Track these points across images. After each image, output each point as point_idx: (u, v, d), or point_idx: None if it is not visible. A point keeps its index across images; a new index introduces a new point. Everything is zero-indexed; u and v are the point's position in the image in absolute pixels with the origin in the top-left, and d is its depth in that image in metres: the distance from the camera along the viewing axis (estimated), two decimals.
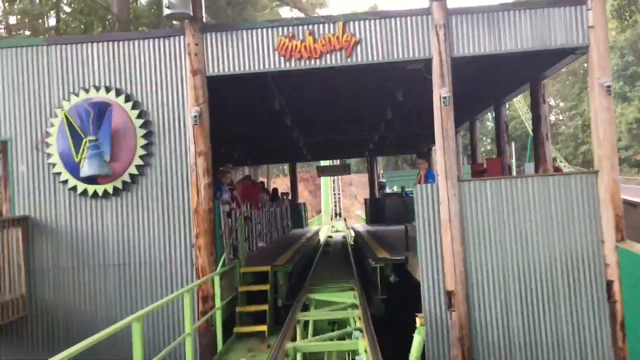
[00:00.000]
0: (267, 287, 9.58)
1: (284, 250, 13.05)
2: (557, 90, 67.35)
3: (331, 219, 50.74)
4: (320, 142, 21.08)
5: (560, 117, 71.52)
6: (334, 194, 55.29)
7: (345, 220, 49.32)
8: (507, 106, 17.67)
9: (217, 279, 8.26)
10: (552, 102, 75.05)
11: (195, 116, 8.59)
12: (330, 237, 23.63)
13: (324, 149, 23.86)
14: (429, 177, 10.80)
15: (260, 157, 25.06)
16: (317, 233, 22.07)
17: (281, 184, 56.00)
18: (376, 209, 24.65)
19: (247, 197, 14.44)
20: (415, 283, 9.54)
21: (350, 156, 26.92)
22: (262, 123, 16.25)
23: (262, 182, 19.46)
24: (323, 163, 30.52)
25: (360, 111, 15.64)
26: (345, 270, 12.50)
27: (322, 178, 58.11)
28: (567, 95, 66.89)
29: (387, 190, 25.50)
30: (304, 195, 56.28)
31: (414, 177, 35.39)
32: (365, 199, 25.27)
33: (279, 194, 20.73)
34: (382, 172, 35.51)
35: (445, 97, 8.50)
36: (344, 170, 24.96)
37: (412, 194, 22.34)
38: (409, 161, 67.91)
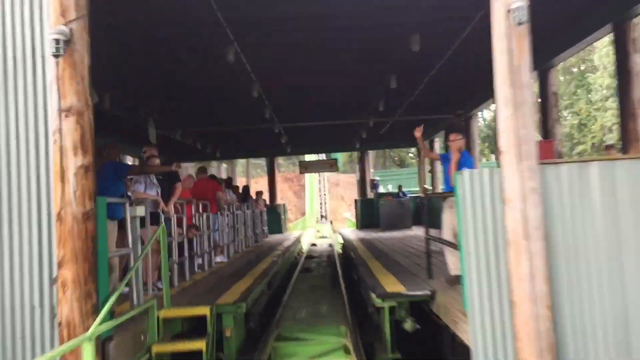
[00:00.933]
0: (201, 344, 5.62)
1: (245, 272, 9.08)
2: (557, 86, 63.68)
3: (317, 222, 46.80)
4: (301, 130, 17.16)
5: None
6: (320, 195, 51.33)
7: (331, 223, 45.40)
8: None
9: (88, 349, 4.25)
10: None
11: (58, 41, 4.57)
12: (314, 245, 19.69)
13: (306, 139, 19.91)
14: (465, 162, 6.74)
15: (231, 150, 21.05)
16: (297, 240, 18.10)
17: (264, 184, 52.06)
18: (368, 211, 20.77)
19: (198, 196, 10.45)
20: (448, 335, 5.69)
21: (338, 150, 23.04)
22: (224, 96, 12.31)
23: (229, 179, 15.46)
24: (308, 158, 26.57)
25: (353, 82, 11.77)
26: (332, 302, 8.58)
27: (307, 177, 54.21)
28: (562, 94, 63.68)
29: (381, 190, 21.65)
30: (287, 197, 52.27)
31: (410, 176, 31.44)
32: (355, 200, 21.38)
33: (251, 194, 16.74)
34: (372, 170, 31.66)
35: (517, 10, 4.57)
36: (331, 166, 21.12)
37: (410, 194, 18.30)
38: (397, 160, 64.18)
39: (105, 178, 5.68)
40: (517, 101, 4.68)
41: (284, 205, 21.37)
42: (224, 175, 40.42)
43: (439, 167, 19.49)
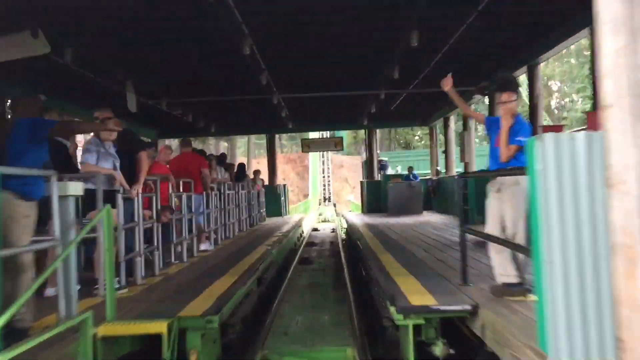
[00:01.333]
0: None
1: (230, 265, 7.44)
2: (564, 72, 61.72)
3: (319, 204, 45.19)
4: (303, 103, 15.42)
5: (566, 100, 66.11)
6: (323, 177, 49.68)
7: (335, 206, 43.78)
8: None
9: None
10: (554, 87, 69.67)
11: None
12: (316, 230, 18.06)
13: (309, 114, 18.16)
14: (520, 129, 4.92)
15: (227, 125, 19.30)
16: (298, 224, 16.46)
17: (266, 164, 50.45)
18: (375, 194, 19.10)
19: (180, 173, 8.78)
20: None
21: (343, 127, 21.23)
22: (220, 66, 10.65)
23: (222, 155, 13.79)
24: (312, 137, 24.88)
25: (366, 42, 10.02)
26: (336, 308, 6.93)
27: (310, 159, 52.50)
28: (574, 77, 61.45)
29: (390, 172, 19.95)
30: (290, 178, 50.63)
31: (420, 158, 29.62)
32: (361, 182, 19.68)
33: (247, 173, 15.07)
34: (378, 151, 29.97)
35: None
36: (336, 145, 19.39)
37: (421, 177, 16.61)
38: (402, 143, 62.23)
39: (19, 140, 3.99)
40: (636, 26, 2.96)
41: (284, 186, 19.72)
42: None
43: (453, 148, 17.78)
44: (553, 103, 67.77)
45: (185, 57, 10.59)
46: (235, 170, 14.38)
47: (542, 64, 12.22)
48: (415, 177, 18.20)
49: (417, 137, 64.49)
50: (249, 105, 15.48)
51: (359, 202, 36.78)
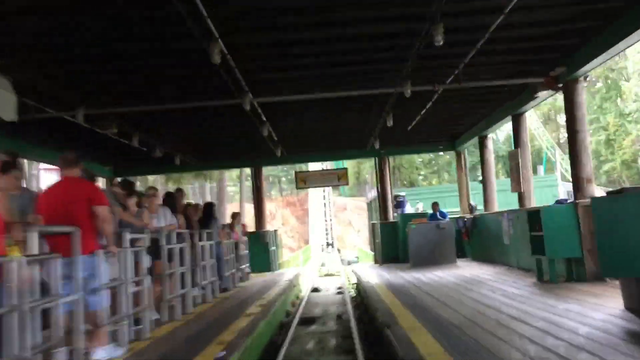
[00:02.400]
0: None
1: None
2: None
3: (322, 250, 40.61)
4: (296, 124, 11.33)
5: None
6: (325, 221, 45.22)
7: (339, 251, 39.18)
8: None
9: None
10: (561, 120, 65.88)
11: None
12: (317, 290, 13.50)
13: (303, 138, 13.93)
14: None
15: (202, 158, 15.07)
16: (292, 284, 11.96)
17: (268, 206, 46.07)
18: (390, 239, 14.72)
19: (52, 215, 4.47)
20: None
21: (347, 156, 16.78)
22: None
23: (178, 190, 9.47)
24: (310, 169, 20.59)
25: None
26: None
27: (310, 201, 48.18)
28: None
29: (408, 210, 15.59)
30: (290, 222, 46.18)
31: (445, 193, 24.92)
32: (373, 224, 15.24)
33: (216, 214, 10.71)
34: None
35: None
36: (339, 178, 15.08)
37: (450, 216, 12.09)
38: (406, 184, 57.87)
39: None
40: None
41: (274, 232, 15.31)
42: (208, 199, 33.86)
43: (493, 176, 13.44)
44: (562, 136, 63.99)
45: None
46: (197, 212, 10.04)
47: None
48: (443, 215, 13.81)
49: (421, 176, 60.26)
50: (230, 133, 11.42)
51: (366, 248, 32.25)
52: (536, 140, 54.91)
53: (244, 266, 12.48)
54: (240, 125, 11.16)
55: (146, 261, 6.57)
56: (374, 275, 11.72)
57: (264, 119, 10.30)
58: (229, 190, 43.63)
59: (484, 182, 13.17)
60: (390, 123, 10.65)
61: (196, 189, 32.35)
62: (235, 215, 12.67)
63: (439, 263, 12.89)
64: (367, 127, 12.93)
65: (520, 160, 10.43)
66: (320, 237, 43.00)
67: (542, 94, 9.11)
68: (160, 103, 9.01)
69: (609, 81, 52.64)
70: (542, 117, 55.90)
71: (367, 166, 55.93)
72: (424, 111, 10.55)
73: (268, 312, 7.64)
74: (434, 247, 13.05)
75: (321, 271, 19.41)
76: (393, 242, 14.75)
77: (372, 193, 35.58)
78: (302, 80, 8.92)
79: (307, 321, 8.73)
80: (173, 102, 9.04)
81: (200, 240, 9.02)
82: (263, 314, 7.48)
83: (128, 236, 5.88)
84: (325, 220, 44.94)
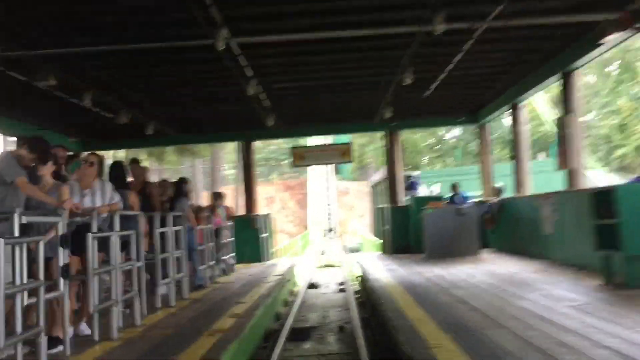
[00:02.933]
0: None
1: None
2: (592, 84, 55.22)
3: (324, 236, 38.53)
4: (292, 89, 9.11)
5: (590, 116, 59.72)
6: (327, 205, 43.09)
7: (340, 236, 37.09)
8: None
9: None
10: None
11: None
12: (314, 286, 11.40)
13: (301, 109, 11.71)
14: None
15: (183, 131, 12.87)
16: (284, 279, 9.81)
17: (263, 194, 43.81)
18: (401, 226, 12.56)
19: None
20: None
21: (353, 129, 14.24)
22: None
23: (133, 162, 7.30)
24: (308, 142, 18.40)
25: None
26: None
27: (310, 185, 45.98)
28: (598, 91, 55.18)
29: (422, 192, 13.32)
30: (289, 207, 44.07)
31: (462, 176, 22.27)
32: (379, 209, 13.00)
33: (189, 194, 8.56)
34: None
35: None
36: (342, 154, 12.79)
37: (473, 198, 10.04)
38: (408, 167, 55.19)
39: None
40: None
41: (266, 216, 13.10)
42: (200, 182, 31.28)
43: (527, 153, 11.22)
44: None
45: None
46: (164, 191, 7.89)
47: None
48: (464, 199, 11.64)
49: (425, 160, 57.89)
50: (209, 94, 9.24)
51: (369, 234, 30.13)
52: (542, 126, 52.68)
53: (227, 257, 10.33)
54: (222, 81, 8.97)
55: (63, 257, 4.43)
56: (384, 270, 9.57)
57: (249, 73, 8.08)
58: (226, 174, 41.26)
59: (516, 160, 10.95)
60: (409, 80, 8.39)
61: (183, 172, 29.96)
62: (217, 196, 10.49)
63: (459, 254, 10.78)
64: (377, 92, 10.71)
65: (571, 129, 8.19)
66: (321, 222, 40.88)
67: (611, 38, 6.86)
68: (111, 42, 6.80)
69: (624, 62, 50.14)
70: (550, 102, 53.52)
71: (372, 148, 53.70)
72: (450, 66, 8.32)
73: (244, 327, 5.50)
74: (453, 235, 10.93)
75: (321, 261, 17.25)
76: (404, 229, 12.60)
77: (376, 176, 33.41)
78: (296, 17, 6.70)
79: (299, 334, 6.59)
80: (128, 41, 6.82)
81: (163, 225, 6.88)
82: (236, 329, 5.34)
83: (17, 219, 3.74)
84: (327, 205, 42.81)
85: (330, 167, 49.79)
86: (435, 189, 12.59)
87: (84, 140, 12.80)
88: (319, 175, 46.37)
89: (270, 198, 41.51)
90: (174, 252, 7.11)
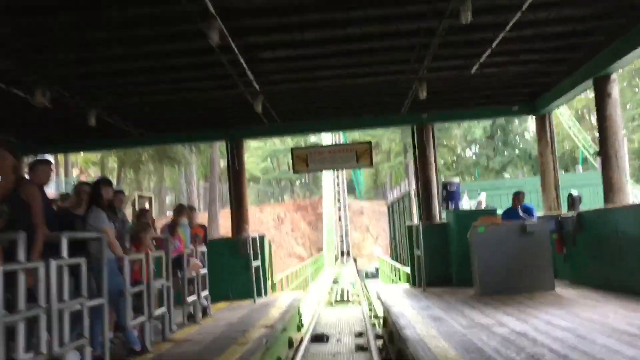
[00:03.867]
0: None
1: None
2: (620, 93, 51.64)
3: (336, 260, 35.18)
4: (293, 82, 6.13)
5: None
6: (340, 226, 39.78)
7: (355, 261, 33.68)
8: None
9: None
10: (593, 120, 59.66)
11: None
12: (320, 339, 8.09)
13: (301, 90, 8.54)
14: None
15: (157, 128, 9.79)
16: (273, 332, 6.51)
17: (272, 214, 40.66)
18: (438, 249, 9.28)
19: None
20: None
21: (368, 124, 10.83)
22: None
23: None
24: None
25: None
26: None
27: (324, 204, 42.60)
28: (627, 102, 51.52)
29: (467, 205, 9.97)
30: (300, 228, 40.78)
31: (499, 190, 17.88)
32: (410, 227, 9.63)
33: (113, 202, 5.30)
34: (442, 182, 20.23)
35: None
36: (360, 156, 9.46)
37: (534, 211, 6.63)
38: (448, 165, 51.24)
39: None
40: None
41: (260, 239, 9.79)
42: (196, 200, 27.52)
43: (623, 144, 7.90)
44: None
45: None
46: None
47: None
48: (530, 211, 8.36)
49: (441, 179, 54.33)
50: (188, 90, 6.27)
51: (386, 257, 26.68)
52: (567, 140, 49.11)
53: (192, 298, 7.07)
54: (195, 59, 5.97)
55: None
56: (423, 318, 6.28)
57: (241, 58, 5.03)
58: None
59: (604, 156, 7.63)
60: (467, 17, 5.24)
61: (182, 189, 26.25)
62: (180, 210, 7.28)
63: (525, 290, 7.59)
64: (406, 69, 7.59)
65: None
66: (334, 244, 37.51)
67: None
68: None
69: None
70: (575, 115, 50.16)
71: (386, 167, 50.39)
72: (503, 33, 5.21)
73: None
74: (516, 262, 7.68)
75: (332, 295, 13.87)
76: (442, 255, 9.33)
77: (394, 193, 30.14)
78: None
79: None
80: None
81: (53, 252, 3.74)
82: None
83: None
84: (340, 226, 39.49)
85: (343, 186, 46.52)
86: (482, 199, 9.31)
87: (23, 140, 9.79)
88: (330, 194, 43.25)
89: (280, 219, 38.37)
90: (69, 304, 3.93)
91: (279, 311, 7.97)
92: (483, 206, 9.40)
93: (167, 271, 6.34)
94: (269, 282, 10.31)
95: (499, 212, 9.09)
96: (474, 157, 54.09)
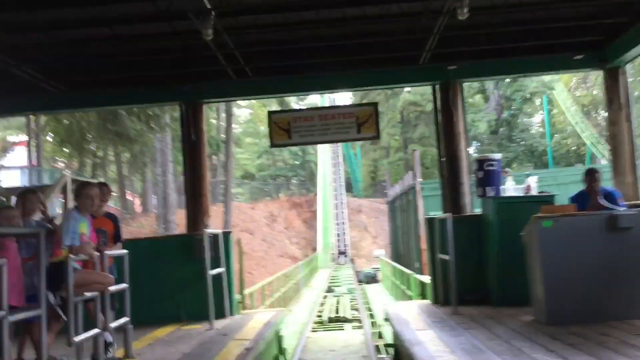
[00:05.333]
0: None
1: None
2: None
3: (332, 260, 32.38)
4: None
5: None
6: (337, 224, 36.96)
7: (353, 262, 30.88)
8: None
9: None
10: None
11: None
12: None
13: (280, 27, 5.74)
14: None
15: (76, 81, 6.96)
16: None
17: (264, 211, 37.73)
18: (471, 253, 6.49)
19: None
20: None
21: (377, 80, 8.04)
22: None
23: None
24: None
25: None
26: None
27: (319, 202, 39.70)
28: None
29: (513, 190, 7.30)
30: (295, 226, 37.88)
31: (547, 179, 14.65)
32: (429, 219, 6.93)
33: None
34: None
35: None
36: (360, 125, 6.81)
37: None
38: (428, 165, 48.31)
39: None
40: None
41: (225, 237, 6.95)
42: (172, 192, 23.34)
43: None
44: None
45: None
46: None
47: None
48: (613, 198, 5.57)
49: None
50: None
51: (387, 258, 23.79)
52: (572, 138, 46.42)
53: (91, 333, 4.23)
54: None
55: None
56: None
57: None
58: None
59: None
60: None
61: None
62: (26, 197, 4.42)
63: (619, 316, 4.81)
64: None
65: None
66: (331, 244, 34.64)
67: None
68: None
69: None
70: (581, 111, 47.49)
71: (386, 163, 47.52)
72: None
73: None
74: (604, 274, 4.93)
75: (324, 309, 10.93)
76: (474, 260, 6.55)
77: (395, 189, 27.31)
78: None
79: None
80: None
81: None
82: None
83: None
84: (337, 224, 36.65)
85: (341, 182, 43.57)
86: (531, 185, 6.56)
87: None
88: (327, 190, 40.45)
89: (273, 216, 35.50)
90: None
91: (244, 345, 5.17)
92: (533, 192, 6.55)
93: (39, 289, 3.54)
94: (237, 297, 7.49)
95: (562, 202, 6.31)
96: (477, 154, 51.57)
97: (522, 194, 6.59)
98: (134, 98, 7.34)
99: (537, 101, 47.72)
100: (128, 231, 20.02)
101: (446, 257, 6.36)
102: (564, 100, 46.57)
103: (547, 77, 42.85)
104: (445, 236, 6.39)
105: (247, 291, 8.69)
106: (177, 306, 6.81)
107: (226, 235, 7.09)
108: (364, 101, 24.93)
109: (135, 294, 5.08)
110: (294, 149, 55.26)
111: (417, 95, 43.17)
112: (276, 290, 11.45)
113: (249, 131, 56.67)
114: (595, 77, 48.34)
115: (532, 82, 40.25)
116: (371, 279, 23.54)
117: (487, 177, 6.61)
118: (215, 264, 6.73)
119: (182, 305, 6.82)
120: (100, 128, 11.65)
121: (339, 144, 48.04)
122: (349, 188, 50.16)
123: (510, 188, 6.66)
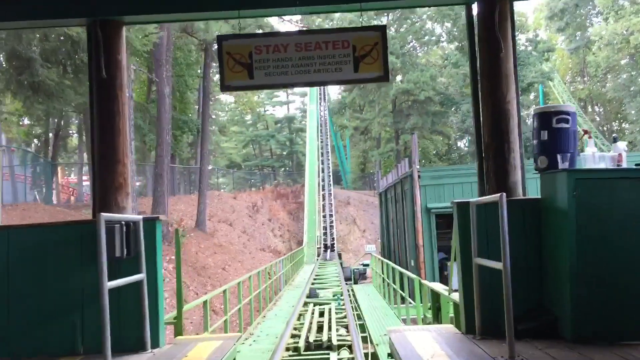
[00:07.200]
0: None
1: None
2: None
3: (318, 255, 29.88)
4: None
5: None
6: (324, 217, 34.42)
7: (340, 256, 28.41)
8: None
9: None
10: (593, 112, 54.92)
11: None
12: None
13: None
14: None
15: None
16: None
17: (246, 201, 35.07)
18: (528, 259, 4.01)
19: None
20: None
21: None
22: None
23: None
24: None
25: None
26: None
27: (307, 193, 37.11)
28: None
29: (599, 158, 5.01)
30: (280, 218, 35.31)
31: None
32: (458, 205, 4.54)
33: None
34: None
35: None
36: (359, 59, 4.56)
37: None
38: (432, 156, 45.72)
39: None
40: None
41: (148, 225, 4.58)
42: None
43: None
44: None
45: None
46: None
47: None
48: None
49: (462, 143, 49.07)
50: None
51: (377, 254, 21.36)
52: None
53: None
54: None
55: None
56: None
57: None
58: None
59: None
60: None
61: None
62: None
63: None
64: None
65: None
66: (318, 237, 32.15)
67: None
68: None
69: None
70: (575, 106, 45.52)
71: (376, 154, 45.03)
72: None
73: None
74: None
75: (304, 324, 8.25)
76: (533, 269, 4.11)
77: (386, 181, 24.93)
78: None
79: None
80: None
81: None
82: None
83: None
84: (324, 217, 34.12)
85: (328, 174, 40.92)
86: (622, 153, 4.25)
87: None
88: (314, 180, 37.98)
89: (255, 207, 32.87)
90: None
91: None
92: (624, 164, 4.08)
93: None
94: (169, 316, 4.98)
95: None
96: (467, 147, 49.56)
97: (612, 167, 4.14)
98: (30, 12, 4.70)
99: (532, 95, 45.63)
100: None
101: (491, 263, 3.90)
102: (561, 94, 44.66)
103: (546, 68, 40.79)
104: (489, 231, 3.93)
105: (196, 302, 6.18)
106: (72, 331, 4.31)
107: (150, 223, 4.56)
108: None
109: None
110: (281, 137, 52.53)
111: (410, 83, 40.80)
112: (247, 294, 8.92)
113: (235, 119, 53.97)
114: (595, 69, 46.35)
115: (531, 72, 38.06)
116: (360, 275, 21.21)
117: (557, 138, 4.14)
118: (132, 267, 4.25)
119: (79, 330, 4.31)
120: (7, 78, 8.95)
121: (327, 133, 45.46)
122: (338, 180, 47.75)
123: (590, 156, 4.19)
